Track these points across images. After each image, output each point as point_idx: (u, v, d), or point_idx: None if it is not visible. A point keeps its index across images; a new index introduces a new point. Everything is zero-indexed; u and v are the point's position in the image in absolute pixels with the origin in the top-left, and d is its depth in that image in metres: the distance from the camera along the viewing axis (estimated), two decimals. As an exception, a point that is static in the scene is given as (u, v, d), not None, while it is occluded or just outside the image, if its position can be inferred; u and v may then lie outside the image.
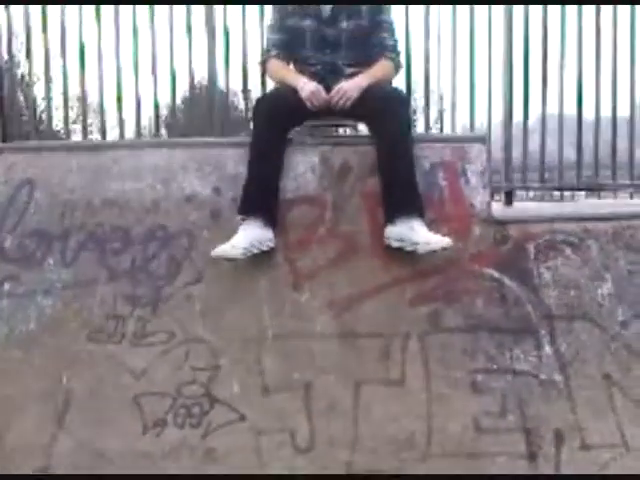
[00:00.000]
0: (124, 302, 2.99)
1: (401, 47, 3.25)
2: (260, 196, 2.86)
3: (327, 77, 3.06)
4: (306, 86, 2.92)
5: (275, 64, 3.17)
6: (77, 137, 5.72)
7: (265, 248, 2.85)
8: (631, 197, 4.39)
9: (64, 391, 2.93)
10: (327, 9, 3.08)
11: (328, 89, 2.96)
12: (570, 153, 4.30)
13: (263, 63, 3.28)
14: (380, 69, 3.07)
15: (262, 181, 2.87)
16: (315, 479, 2.87)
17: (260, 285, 2.97)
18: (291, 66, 3.20)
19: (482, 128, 4.37)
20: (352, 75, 3.03)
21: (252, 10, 4.02)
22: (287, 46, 3.15)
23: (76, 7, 4.07)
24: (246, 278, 2.97)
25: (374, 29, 3.11)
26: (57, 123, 6.45)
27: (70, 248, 3.02)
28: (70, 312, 2.99)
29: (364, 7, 3.08)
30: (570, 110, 4.25)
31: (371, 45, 3.12)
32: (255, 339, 2.96)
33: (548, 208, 3.89)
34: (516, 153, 4.19)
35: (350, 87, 2.91)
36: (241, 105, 4.76)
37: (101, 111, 4.28)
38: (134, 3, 4.03)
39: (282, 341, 2.95)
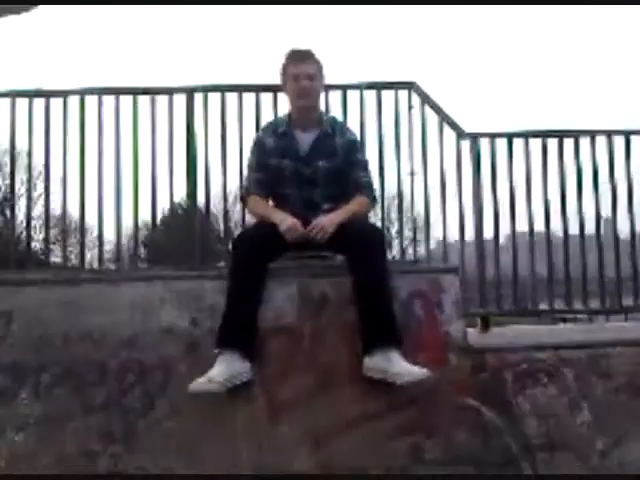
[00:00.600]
0: (97, 438, 2.92)
1: (375, 182, 3.39)
2: (238, 329, 2.87)
3: (305, 212, 3.15)
4: (284, 221, 3.02)
5: (254, 200, 3.28)
6: (56, 257, 5.71)
7: (243, 380, 2.83)
8: (607, 319, 4.46)
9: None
10: (305, 149, 3.22)
11: (306, 223, 3.05)
12: (543, 270, 4.40)
13: (242, 199, 3.42)
14: (356, 205, 3.19)
15: (241, 315, 2.89)
16: (315, 479, 2.81)
17: (237, 419, 2.93)
18: (270, 202, 3.32)
19: (455, 244, 4.50)
20: (329, 210, 3.13)
21: (232, 136, 4.15)
22: (266, 184, 3.28)
23: (60, 127, 4.16)
24: (223, 412, 2.93)
25: (349, 167, 3.25)
26: (35, 244, 6.52)
27: (44, 382, 2.97)
28: (42, 448, 2.91)
29: (339, 148, 3.23)
30: (539, 227, 4.40)
31: (346, 182, 3.25)
32: (232, 475, 2.88)
33: (524, 333, 3.95)
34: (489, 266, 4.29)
35: (326, 223, 3.01)
36: (221, 226, 4.84)
37: (82, 231, 4.32)
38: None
39: (260, 477, 2.88)
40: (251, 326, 2.92)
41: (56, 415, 2.93)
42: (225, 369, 2.79)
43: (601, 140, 4.24)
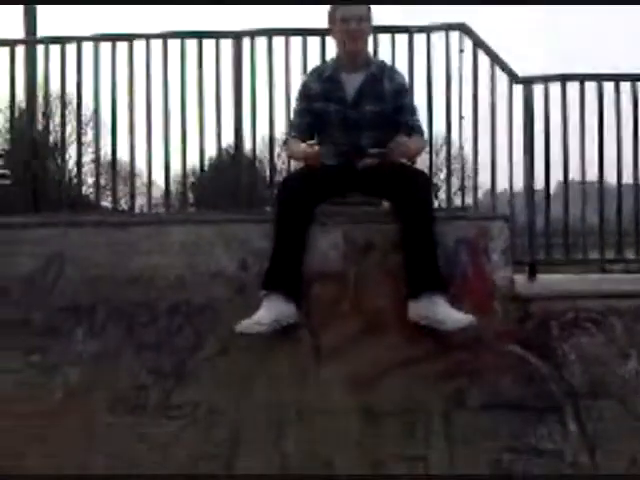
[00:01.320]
0: (148, 374, 3.03)
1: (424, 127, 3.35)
2: (284, 272, 2.91)
3: (352, 156, 3.15)
4: (306, 150, 3.04)
5: (292, 144, 3.28)
6: (107, 203, 5.83)
7: (289, 322, 2.88)
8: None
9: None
10: (351, 94, 3.18)
11: (352, 167, 3.06)
12: (594, 220, 4.31)
13: (284, 143, 3.44)
14: (415, 143, 3.19)
15: (287, 257, 2.92)
16: (313, 479, 2.86)
17: (283, 360, 2.99)
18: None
19: (505, 193, 4.42)
20: (375, 155, 3.11)
21: (280, 81, 4.13)
22: (307, 129, 3.27)
23: (109, 73, 4.20)
24: (270, 353, 2.99)
25: (398, 112, 3.21)
26: (87, 188, 6.65)
27: (97, 321, 3.08)
28: (95, 382, 3.04)
29: (387, 92, 3.18)
30: (591, 176, 4.27)
31: (394, 127, 3.20)
32: (277, 414, 2.97)
33: (571, 282, 3.89)
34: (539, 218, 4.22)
35: (407, 141, 3.05)
36: (267, 172, 4.86)
37: (131, 177, 4.39)
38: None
39: (305, 417, 2.96)
40: (296, 270, 2.94)
41: (109, 352, 3.05)
42: (271, 312, 2.84)
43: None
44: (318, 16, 3.46)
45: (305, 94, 3.28)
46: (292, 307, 2.90)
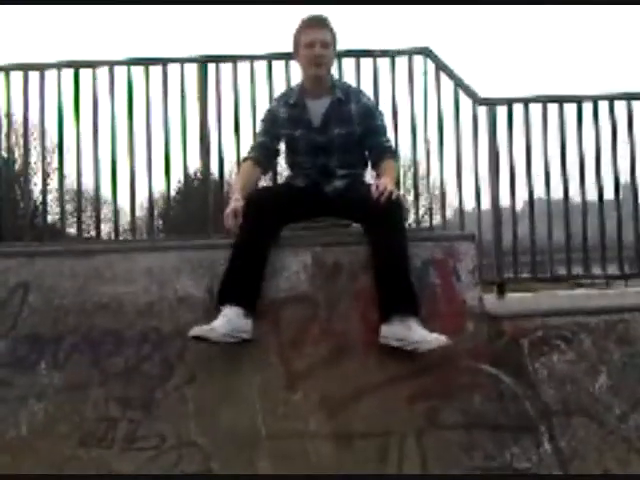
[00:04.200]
0: (116, 405, 2.96)
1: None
2: (241, 286, 2.88)
3: (321, 180, 3.16)
4: (231, 205, 3.01)
5: (245, 167, 3.26)
6: (72, 229, 5.73)
7: (243, 338, 2.85)
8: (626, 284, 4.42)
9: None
10: (318, 118, 3.18)
11: (322, 190, 3.06)
12: (560, 237, 4.36)
13: (243, 162, 3.36)
14: (393, 171, 3.15)
15: (244, 270, 2.90)
16: (310, 479, 2.84)
17: (253, 386, 2.95)
18: (260, 169, 3.26)
19: (472, 212, 4.46)
20: (344, 177, 3.11)
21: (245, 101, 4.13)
22: (268, 149, 3.27)
23: (71, 99, 4.16)
24: (240, 379, 2.96)
25: (368, 134, 3.20)
26: (53, 217, 6.55)
27: (63, 351, 3.00)
28: (62, 416, 2.96)
29: (354, 114, 3.18)
30: (557, 194, 4.33)
31: (362, 148, 3.22)
32: (249, 441, 2.92)
33: (540, 300, 3.92)
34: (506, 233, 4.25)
35: (389, 184, 2.93)
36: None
37: (97, 204, 4.33)
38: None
39: (277, 442, 2.91)
40: (255, 285, 2.92)
41: (75, 383, 2.97)
42: (227, 323, 2.81)
43: (620, 105, 4.15)
44: (282, 40, 3.49)
45: (272, 119, 3.27)
46: (249, 322, 2.87)
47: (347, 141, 3.17)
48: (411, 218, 4.78)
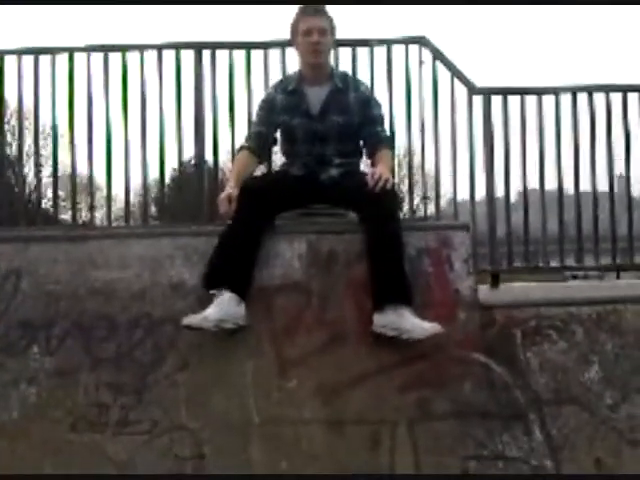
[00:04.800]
0: (108, 390, 2.96)
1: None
2: (234, 271, 2.87)
3: (317, 168, 3.16)
4: (226, 191, 2.99)
5: (240, 156, 3.25)
6: (66, 215, 5.70)
7: (237, 324, 2.85)
8: (617, 276, 4.43)
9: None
10: (316, 107, 3.17)
11: (317, 179, 3.05)
12: (554, 227, 4.37)
13: (238, 151, 3.34)
14: (388, 159, 3.16)
15: (237, 255, 2.89)
16: (312, 479, 2.86)
17: (246, 373, 2.96)
18: (257, 159, 3.26)
19: (465, 204, 4.45)
20: (340, 165, 3.11)
21: (240, 88, 4.10)
22: (264, 138, 3.25)
23: (65, 84, 4.12)
24: (232, 365, 2.96)
25: (365, 123, 3.20)
26: (46, 202, 6.50)
27: (54, 337, 3.00)
28: (54, 401, 2.96)
29: (352, 103, 3.18)
30: (551, 185, 4.33)
31: (361, 138, 3.22)
32: (241, 427, 2.93)
33: (533, 290, 3.93)
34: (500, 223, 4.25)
35: (385, 172, 2.94)
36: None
37: (90, 190, 4.31)
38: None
39: (269, 429, 2.93)
40: (247, 271, 2.91)
41: (67, 368, 2.98)
42: (220, 311, 2.81)
43: (616, 96, 4.14)
44: (279, 28, 3.46)
45: (269, 106, 3.25)
46: (242, 309, 2.87)
47: (345, 130, 3.17)
48: (405, 207, 4.77)
